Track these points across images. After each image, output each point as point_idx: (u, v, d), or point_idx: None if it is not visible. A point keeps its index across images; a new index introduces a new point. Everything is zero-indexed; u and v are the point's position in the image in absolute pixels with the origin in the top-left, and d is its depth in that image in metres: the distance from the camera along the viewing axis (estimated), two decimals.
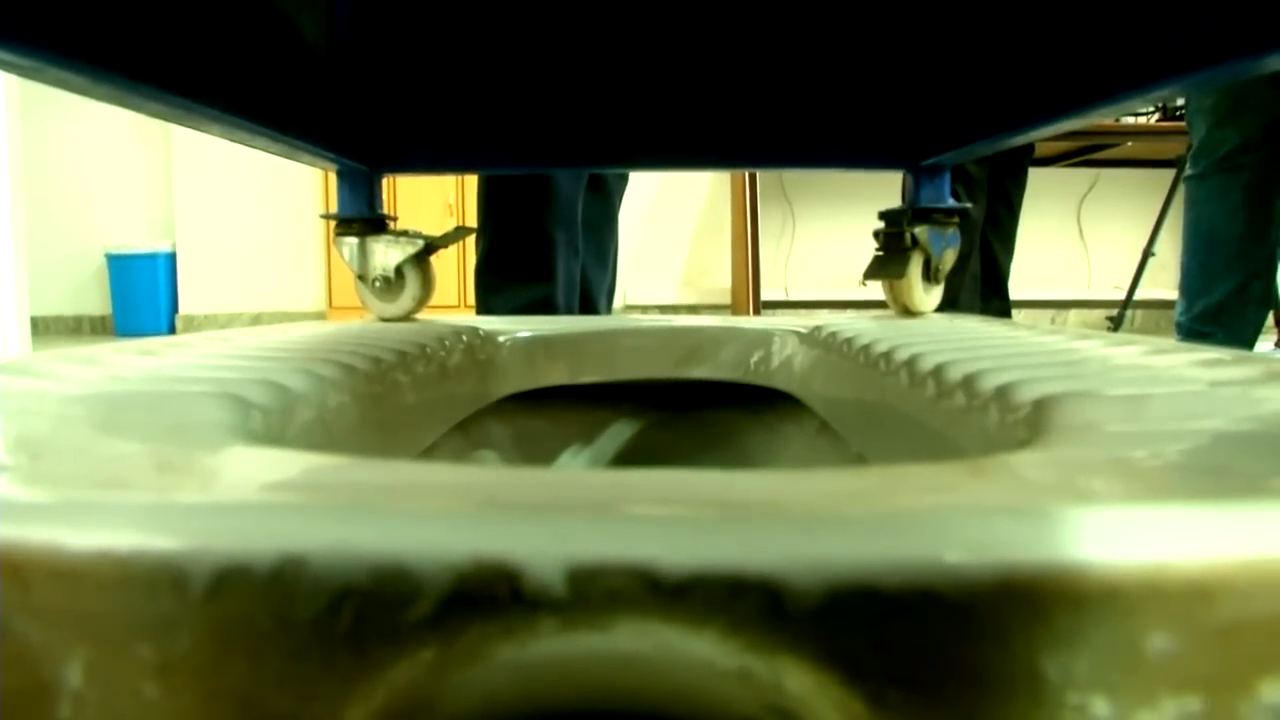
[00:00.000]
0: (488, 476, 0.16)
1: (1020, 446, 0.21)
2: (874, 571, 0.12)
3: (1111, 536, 0.12)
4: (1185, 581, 0.12)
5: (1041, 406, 0.24)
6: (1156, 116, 2.42)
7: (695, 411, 0.62)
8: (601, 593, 0.12)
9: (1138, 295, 2.09)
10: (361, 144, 0.59)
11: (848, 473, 0.17)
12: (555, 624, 0.12)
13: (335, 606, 0.12)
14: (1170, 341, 0.36)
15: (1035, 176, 1.67)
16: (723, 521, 0.13)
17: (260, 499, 0.14)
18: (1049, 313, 2.93)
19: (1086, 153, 2.68)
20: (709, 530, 0.13)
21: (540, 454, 0.59)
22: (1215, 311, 1.27)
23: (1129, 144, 2.51)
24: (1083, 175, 2.91)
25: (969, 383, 0.30)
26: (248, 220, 3.09)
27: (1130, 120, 2.40)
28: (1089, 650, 0.12)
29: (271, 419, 0.24)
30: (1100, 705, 0.12)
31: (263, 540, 0.12)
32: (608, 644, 0.12)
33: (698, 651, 0.12)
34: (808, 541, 0.13)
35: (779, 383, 0.54)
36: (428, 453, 0.43)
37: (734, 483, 0.15)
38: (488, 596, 0.12)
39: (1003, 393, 0.27)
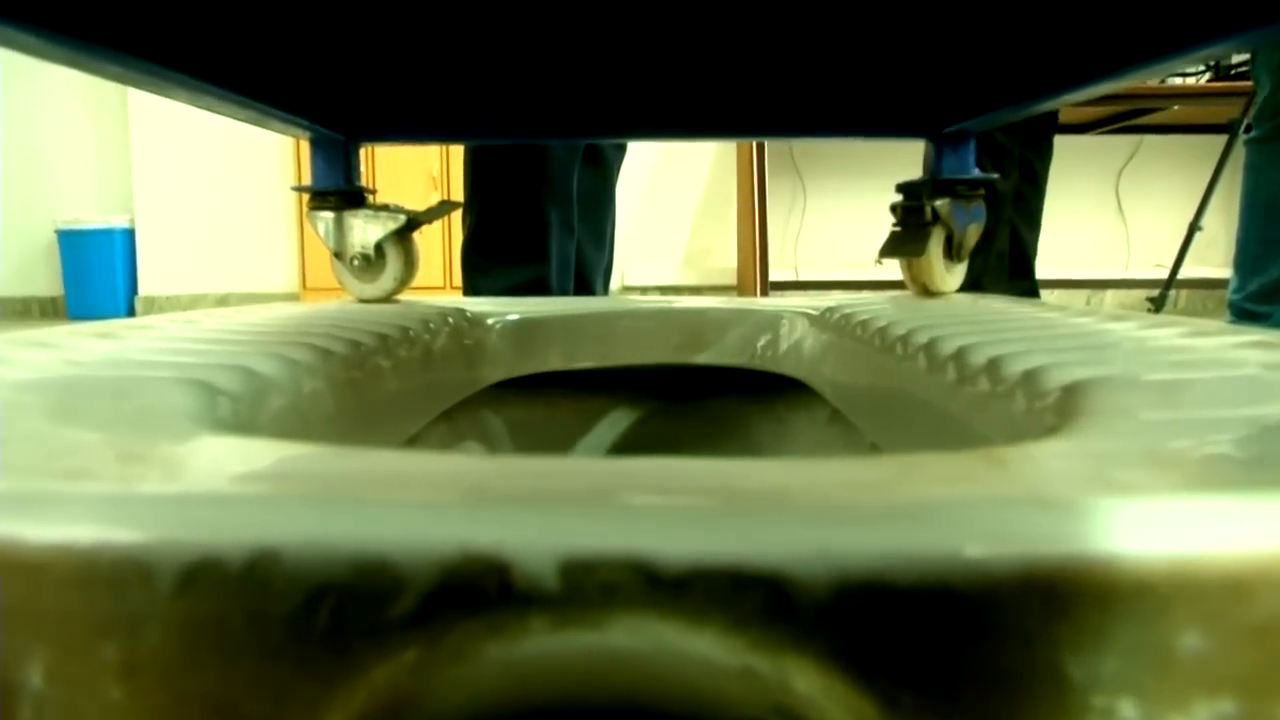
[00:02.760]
0: (474, 465, 0.16)
1: (1048, 435, 0.22)
2: (887, 565, 0.12)
3: (1141, 529, 0.12)
4: (1220, 577, 0.12)
5: (1071, 392, 0.24)
6: (1207, 76, 2.37)
7: (698, 400, 0.62)
8: (596, 587, 0.12)
9: (1182, 274, 2.08)
10: (337, 110, 0.59)
11: (860, 462, 0.17)
12: (547, 621, 0.12)
13: (312, 603, 0.12)
14: (1214, 323, 0.36)
15: (1069, 145, 1.66)
16: (725, 511, 0.13)
17: (231, 490, 0.14)
18: (1083, 293, 2.92)
19: (1127, 118, 2.65)
20: (710, 521, 0.13)
21: (532, 445, 0.59)
22: (1273, 290, 1.26)
23: (1175, 107, 2.46)
24: (1122, 143, 2.89)
25: (993, 367, 0.30)
26: (213, 193, 3.08)
27: (1177, 81, 2.35)
28: (1116, 650, 0.12)
29: (241, 406, 0.25)
30: (1128, 709, 0.12)
31: (234, 533, 0.12)
32: (603, 642, 0.12)
33: (698, 650, 0.12)
34: (816, 533, 0.13)
35: (788, 368, 0.54)
36: (410, 444, 0.43)
37: (737, 471, 0.15)
38: (475, 592, 0.12)
39: (1030, 378, 0.27)
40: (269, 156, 3.05)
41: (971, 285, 0.65)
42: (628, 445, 0.61)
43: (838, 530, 0.13)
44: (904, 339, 0.39)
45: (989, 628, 0.12)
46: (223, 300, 3.13)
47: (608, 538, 0.13)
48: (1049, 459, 0.17)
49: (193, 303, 3.12)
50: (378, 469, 0.16)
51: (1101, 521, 0.13)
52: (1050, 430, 0.22)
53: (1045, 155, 1.59)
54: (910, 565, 0.12)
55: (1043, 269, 1.63)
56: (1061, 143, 1.64)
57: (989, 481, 0.15)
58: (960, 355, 0.33)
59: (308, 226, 2.79)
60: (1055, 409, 0.24)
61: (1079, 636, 0.12)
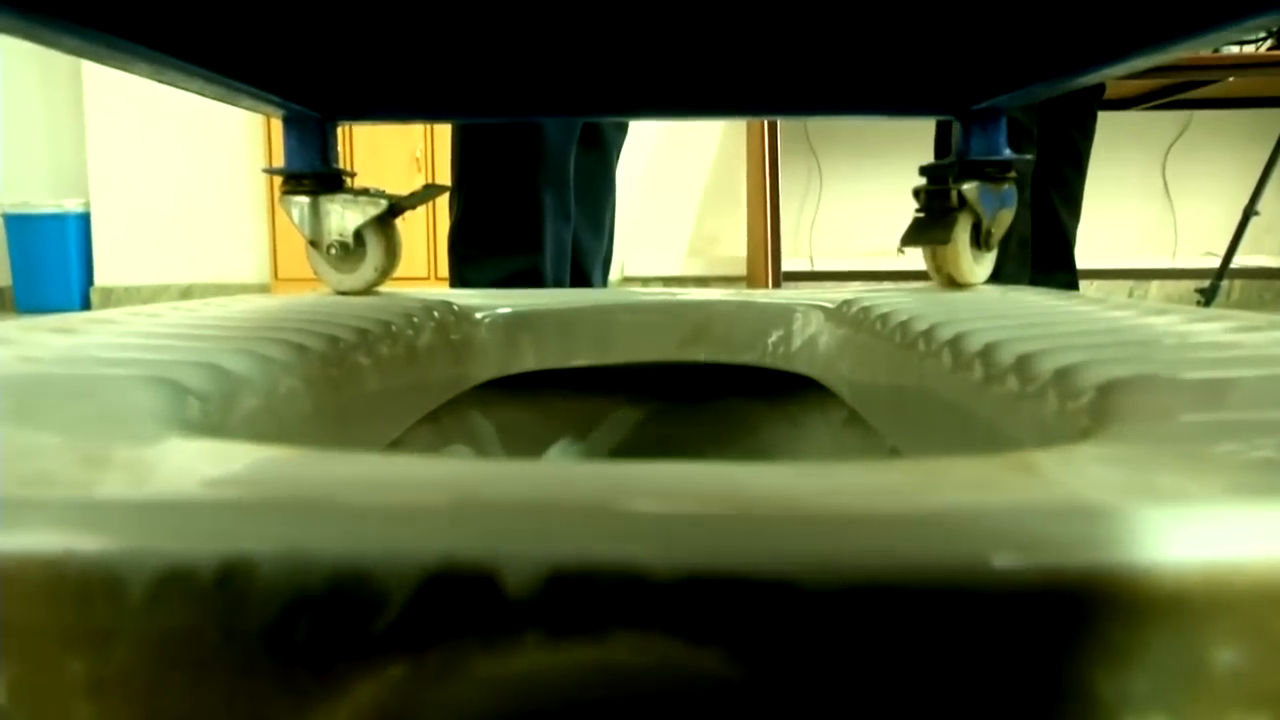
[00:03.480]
0: (461, 469, 0.17)
1: (1081, 438, 0.22)
2: (905, 575, 0.12)
3: (1175, 537, 0.13)
4: (1258, 589, 0.12)
5: (1107, 392, 0.24)
6: (1268, 44, 2.32)
7: (703, 401, 0.62)
8: (592, 599, 0.12)
9: (1235, 263, 2.07)
10: (313, 86, 0.59)
11: (877, 466, 0.17)
12: (540, 635, 0.12)
13: (289, 616, 0.12)
14: (1266, 317, 0.36)
15: (1111, 122, 1.65)
16: (730, 519, 0.14)
17: (203, 496, 0.14)
18: (1125, 285, 2.92)
19: (1176, 91, 2.61)
20: (715, 528, 0.13)
21: (524, 449, 0.59)
22: None
23: (1230, 79, 2.42)
24: (1170, 119, 2.88)
25: (1023, 365, 0.30)
26: (177, 175, 3.09)
27: (1233, 50, 2.32)
28: (1149, 666, 0.12)
29: (211, 407, 0.25)
30: None
31: (206, 542, 0.12)
32: (600, 658, 0.12)
33: (703, 665, 0.12)
34: (829, 542, 0.13)
35: (801, 366, 0.54)
36: (393, 447, 0.44)
37: (744, 476, 0.16)
38: (462, 604, 0.12)
39: (1062, 376, 0.27)
40: (238, 135, 3.05)
41: (994, 275, 0.65)
42: (627, 449, 0.61)
43: (853, 538, 0.13)
44: (927, 334, 0.39)
45: (1013, 642, 0.12)
46: (187, 292, 3.13)
47: (604, 546, 0.13)
48: (1081, 464, 0.17)
49: (154, 294, 3.12)
50: (358, 474, 0.16)
51: (1132, 529, 0.13)
52: (1084, 433, 0.23)
53: (1090, 133, 1.58)
54: (929, 576, 0.12)
55: (1081, 258, 1.63)
56: (1101, 119, 1.63)
57: (1015, 488, 0.15)
58: (988, 352, 0.33)
59: (280, 212, 2.79)
60: (1089, 410, 0.24)
61: (1108, 651, 0.12)
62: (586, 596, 0.13)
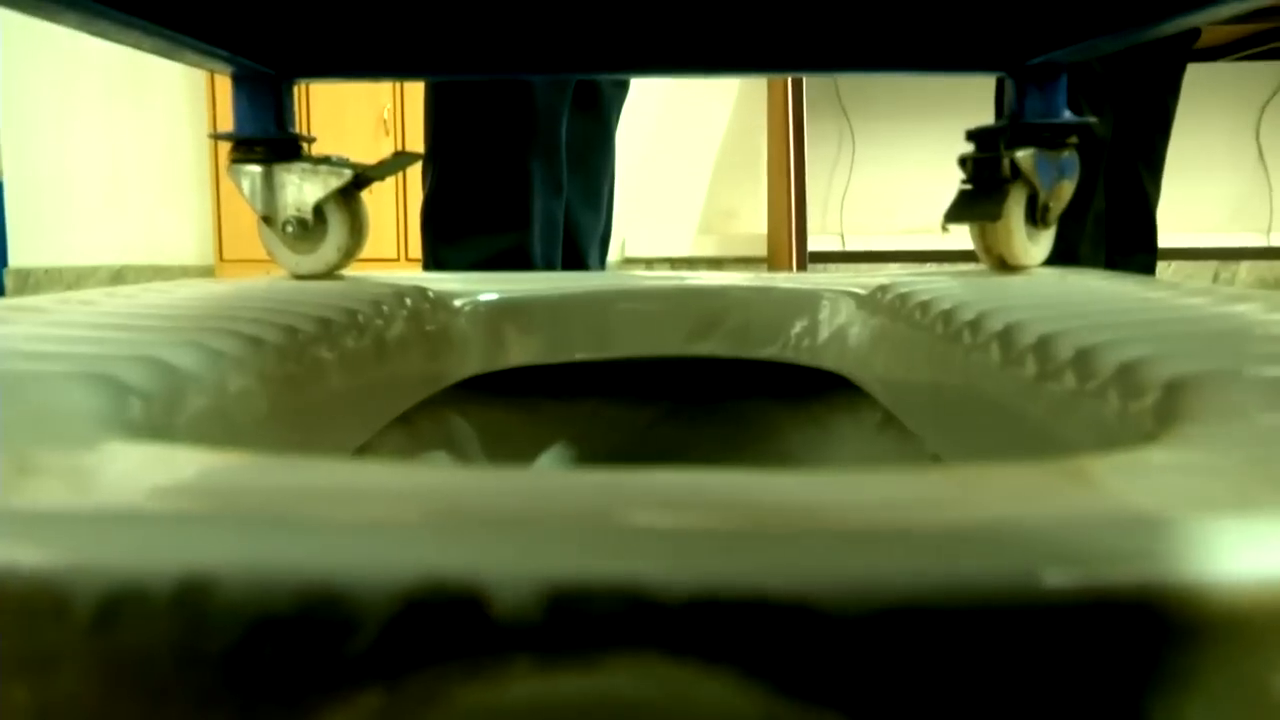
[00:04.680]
0: (443, 478, 0.17)
1: (1144, 442, 0.22)
2: (938, 595, 0.13)
3: (1237, 552, 0.13)
4: None
5: (1175, 390, 0.25)
6: None
7: (716, 402, 0.63)
8: (589, 622, 0.13)
9: None
10: (266, 38, 0.59)
11: (911, 475, 0.18)
12: (531, 662, 0.13)
13: (252, 640, 0.13)
14: None
15: (1193, 74, 1.63)
16: (743, 533, 0.14)
17: (154, 507, 0.15)
18: (1209, 266, 2.91)
19: (1273, 38, 2.58)
20: (727, 543, 0.14)
21: (510, 456, 0.60)
22: None
23: None
24: (1265, 71, 2.85)
25: (1082, 360, 0.30)
26: (104, 142, 3.09)
27: None
28: (1205, 691, 0.13)
29: (155, 407, 0.25)
30: None
31: (160, 558, 0.13)
32: (598, 687, 0.13)
33: (712, 696, 0.13)
34: (855, 557, 0.14)
35: (829, 362, 0.55)
36: (360, 454, 0.44)
37: (760, 486, 0.16)
38: (445, 627, 0.13)
39: (1126, 373, 0.27)
40: (176, 94, 3.05)
41: (1060, 257, 0.65)
42: (628, 457, 0.61)
43: (882, 554, 0.14)
44: (973, 325, 0.39)
45: (1058, 666, 0.13)
46: (118, 275, 3.14)
47: (603, 563, 0.13)
48: (1140, 471, 0.18)
49: (80, 278, 3.13)
50: (327, 482, 0.17)
51: (1190, 543, 0.13)
52: (1147, 436, 0.23)
53: (1179, 89, 1.54)
54: (964, 595, 0.13)
55: (1158, 236, 1.62)
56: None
57: (1065, 498, 0.16)
58: (1042, 345, 0.34)
59: (226, 183, 2.79)
60: (1154, 411, 0.24)
61: (1162, 675, 0.13)
62: (583, 620, 0.13)
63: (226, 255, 2.89)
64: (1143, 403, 0.25)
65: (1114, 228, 1.50)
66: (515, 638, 0.13)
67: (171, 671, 0.13)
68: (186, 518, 0.14)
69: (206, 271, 3.01)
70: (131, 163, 3.11)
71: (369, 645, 0.13)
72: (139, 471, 0.17)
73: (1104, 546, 0.14)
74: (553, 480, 0.17)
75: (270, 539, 0.14)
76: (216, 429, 0.29)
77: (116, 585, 0.13)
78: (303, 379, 0.37)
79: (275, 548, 0.14)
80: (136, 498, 0.15)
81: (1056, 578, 0.13)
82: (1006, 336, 0.36)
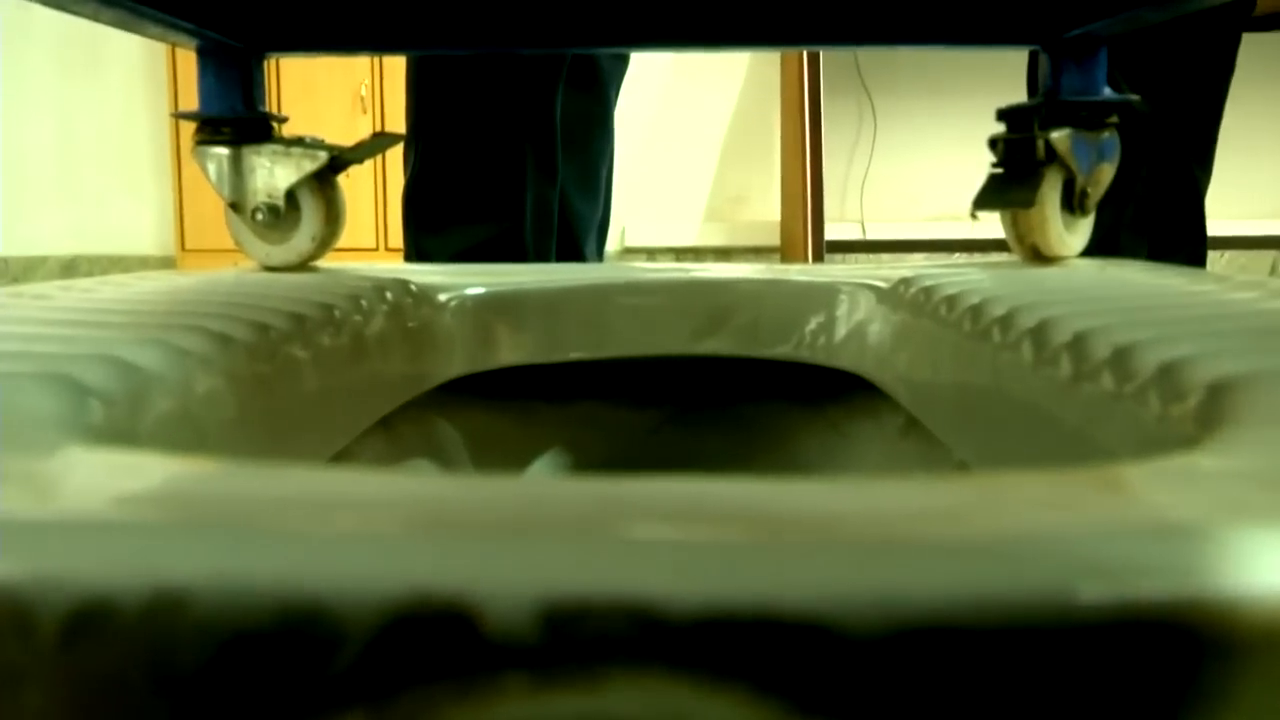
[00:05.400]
0: (428, 487, 0.17)
1: (1185, 447, 0.23)
2: (961, 610, 0.13)
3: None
4: None
5: (1219, 392, 0.25)
6: None
7: (725, 405, 0.63)
8: (588, 640, 0.13)
9: None
10: (235, 9, 0.59)
11: (933, 484, 0.18)
12: (525, 683, 0.13)
13: (227, 658, 0.13)
14: None
15: (1249, 46, 1.62)
16: (753, 545, 0.14)
17: (122, 517, 0.15)
18: (1266, 255, 2.90)
19: None
20: (735, 556, 0.14)
21: (500, 464, 0.60)
22: None
23: None
24: None
25: (1121, 359, 0.31)
26: (54, 120, 3.09)
27: None
28: (1247, 713, 0.13)
29: (117, 410, 0.26)
30: None
31: (129, 571, 0.13)
32: (598, 708, 0.13)
33: (719, 718, 0.13)
34: (873, 571, 0.14)
35: (847, 362, 0.55)
36: (337, 462, 0.45)
37: (771, 494, 0.16)
38: (433, 645, 0.13)
39: (1167, 373, 0.28)
40: (133, 68, 3.05)
41: (1099, 247, 0.65)
42: (629, 465, 0.62)
43: (901, 567, 0.14)
44: (1004, 321, 0.40)
45: (1086, 688, 0.13)
46: (70, 266, 3.14)
47: (602, 577, 0.14)
48: (1180, 479, 0.18)
49: (26, 270, 3.13)
50: (304, 491, 0.17)
51: (1231, 556, 0.14)
52: (1188, 442, 0.23)
53: (1232, 62, 1.54)
54: (988, 610, 0.13)
55: (1208, 224, 1.62)
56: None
57: (1096, 508, 0.16)
58: (1078, 343, 0.34)
59: (188, 166, 2.79)
60: (1196, 414, 0.25)
61: (1198, 698, 0.13)
62: (581, 638, 0.13)
63: (189, 245, 2.89)
64: (1184, 405, 0.26)
65: (1159, 215, 1.50)
66: (509, 656, 0.13)
67: (142, 692, 0.13)
68: (156, 529, 0.14)
69: (167, 262, 3.01)
70: (84, 143, 3.10)
71: (352, 664, 0.13)
72: (103, 479, 0.17)
73: (1139, 560, 0.14)
74: (547, 489, 0.17)
75: (245, 552, 0.14)
76: (182, 433, 0.29)
77: (82, 601, 0.13)
78: (274, 380, 0.37)
79: (251, 561, 0.14)
80: (102, 507, 0.16)
81: (1087, 594, 0.13)
82: (1039, 334, 0.37)
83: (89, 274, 3.08)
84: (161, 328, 0.33)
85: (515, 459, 0.61)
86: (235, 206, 0.59)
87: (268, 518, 0.15)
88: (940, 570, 0.14)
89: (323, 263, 0.61)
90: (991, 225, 0.65)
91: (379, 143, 0.63)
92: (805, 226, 2.52)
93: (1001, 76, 1.34)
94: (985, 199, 0.64)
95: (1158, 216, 1.49)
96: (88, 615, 0.13)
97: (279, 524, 0.15)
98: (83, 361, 0.27)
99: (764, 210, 2.96)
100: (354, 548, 0.14)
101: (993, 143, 0.65)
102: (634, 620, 0.13)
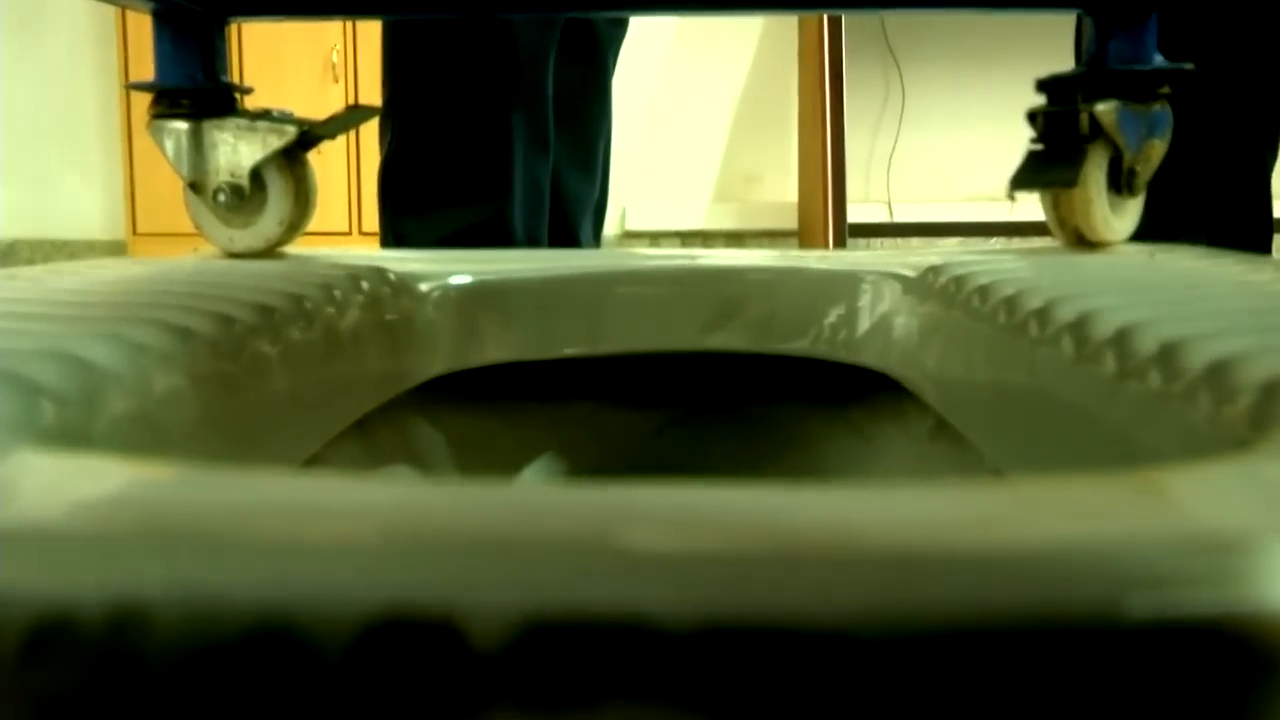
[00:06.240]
0: (409, 494, 0.18)
1: (1237, 451, 0.23)
2: (997, 622, 0.14)
3: None
4: None
5: (1274, 391, 0.25)
6: None
7: (735, 406, 0.63)
8: (580, 657, 0.14)
9: None
10: None
11: (960, 490, 0.18)
12: (512, 702, 0.14)
13: (193, 676, 0.13)
14: None
15: None
16: (762, 556, 0.15)
17: (81, 526, 0.15)
18: None
19: None
20: (742, 568, 0.14)
21: (487, 470, 0.60)
22: None
23: None
24: None
25: (1169, 355, 0.31)
26: None
27: None
28: None
29: (70, 411, 0.26)
30: None
31: (90, 583, 0.14)
32: None
33: None
34: (896, 583, 0.14)
35: (870, 358, 0.55)
36: (310, 466, 0.45)
37: (784, 503, 0.17)
38: (413, 663, 0.14)
39: (1218, 371, 0.28)
40: (77, 35, 3.05)
41: (1149, 232, 0.65)
42: (629, 472, 0.62)
43: (929, 579, 0.14)
44: (1042, 314, 0.40)
45: (1128, 708, 0.13)
46: (8, 252, 3.14)
47: (596, 591, 0.14)
48: (1228, 484, 0.18)
49: None
50: (275, 498, 0.17)
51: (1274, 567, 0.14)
52: (1241, 444, 0.24)
53: None
54: (1024, 624, 0.13)
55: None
56: None
57: (1137, 517, 0.17)
58: (1123, 338, 0.34)
59: (140, 142, 2.78)
60: (1250, 415, 0.25)
61: (1251, 715, 0.13)
62: (573, 654, 0.14)
63: (141, 228, 2.89)
64: (1237, 406, 0.26)
65: (1218, 196, 1.49)
66: (493, 675, 0.14)
67: (104, 711, 0.13)
68: (116, 538, 0.15)
69: (117, 248, 3.01)
70: (23, 116, 3.10)
71: (326, 681, 0.14)
72: (59, 485, 0.18)
73: (1186, 573, 0.15)
74: (539, 496, 0.18)
75: (212, 563, 0.14)
76: (140, 436, 0.29)
77: (39, 615, 0.13)
78: (239, 378, 0.37)
79: (218, 573, 0.14)
80: (56, 515, 0.16)
81: (1131, 607, 0.14)
82: (1081, 328, 0.37)
83: (30, 261, 3.08)
84: (116, 321, 0.33)
85: (503, 465, 0.61)
86: (195, 187, 0.59)
87: (234, 526, 0.16)
88: (972, 583, 0.14)
89: (291, 249, 0.61)
90: (1031, 207, 0.66)
91: (353, 116, 0.63)
92: (825, 208, 2.52)
93: (1044, 41, 1.34)
94: (1023, 178, 0.64)
95: (1217, 198, 1.49)
96: (44, 631, 0.13)
97: (246, 533, 0.15)
98: (32, 358, 0.27)
99: (779, 190, 2.95)
100: (326, 558, 0.15)
101: (1032, 116, 0.65)
102: (629, 634, 0.14)
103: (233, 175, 0.59)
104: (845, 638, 0.14)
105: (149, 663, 0.13)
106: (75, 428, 0.26)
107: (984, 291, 0.46)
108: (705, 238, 2.97)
